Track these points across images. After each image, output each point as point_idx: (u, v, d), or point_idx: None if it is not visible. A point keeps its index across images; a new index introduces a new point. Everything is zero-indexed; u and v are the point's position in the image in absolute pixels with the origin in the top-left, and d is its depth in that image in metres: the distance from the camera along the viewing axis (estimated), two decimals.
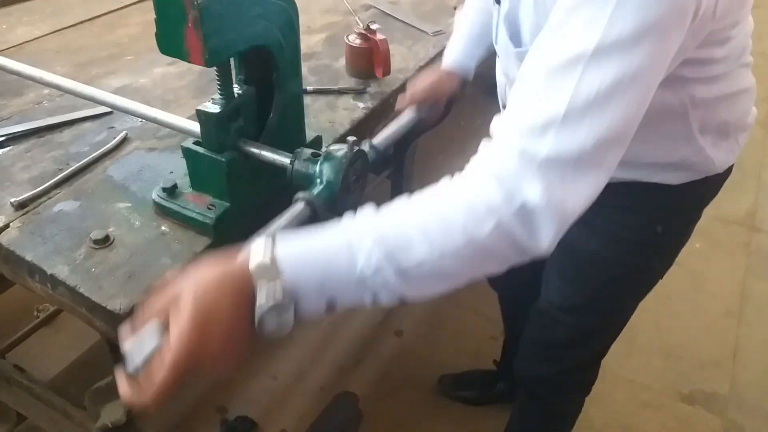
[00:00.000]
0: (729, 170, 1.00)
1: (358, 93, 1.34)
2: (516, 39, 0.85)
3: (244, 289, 0.59)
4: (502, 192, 0.60)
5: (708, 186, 0.98)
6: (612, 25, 0.58)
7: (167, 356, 0.55)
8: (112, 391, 1.15)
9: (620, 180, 0.91)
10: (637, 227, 1.01)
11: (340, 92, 1.35)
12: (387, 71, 1.38)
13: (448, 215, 0.61)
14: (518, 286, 1.49)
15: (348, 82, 1.39)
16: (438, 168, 2.75)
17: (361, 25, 1.40)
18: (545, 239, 0.61)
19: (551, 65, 0.61)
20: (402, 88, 1.40)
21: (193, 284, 0.58)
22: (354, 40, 1.38)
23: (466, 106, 2.12)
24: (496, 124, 0.66)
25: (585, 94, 0.59)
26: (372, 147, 1.00)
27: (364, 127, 1.27)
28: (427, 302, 2.11)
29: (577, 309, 1.14)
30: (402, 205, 0.64)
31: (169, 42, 0.82)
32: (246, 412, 1.74)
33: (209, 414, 1.73)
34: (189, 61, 0.83)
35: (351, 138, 0.91)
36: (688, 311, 2.12)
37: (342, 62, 1.45)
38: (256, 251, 0.61)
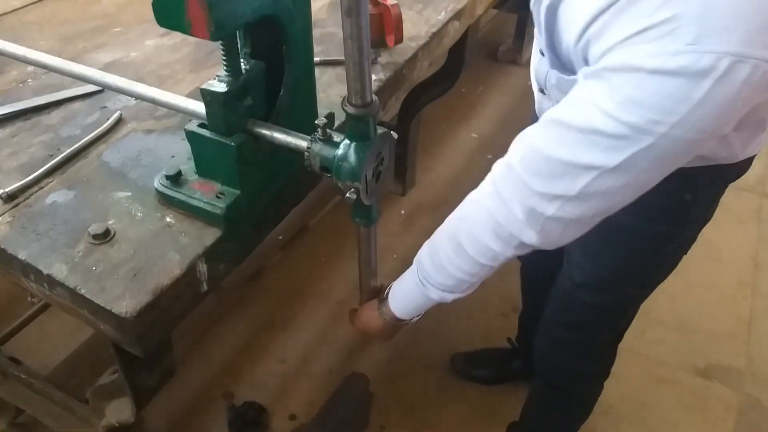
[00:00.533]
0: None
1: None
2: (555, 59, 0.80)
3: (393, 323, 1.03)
4: (501, 241, 0.78)
5: (737, 166, 0.93)
6: (632, 161, 0.64)
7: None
8: (117, 389, 1.09)
9: None
10: (664, 194, 0.94)
11: None
12: (399, 39, 1.29)
13: (468, 262, 0.84)
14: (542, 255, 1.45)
15: None
16: (442, 137, 2.68)
17: None
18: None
19: (571, 159, 0.68)
20: (415, 57, 1.31)
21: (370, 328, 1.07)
22: None
23: (467, 73, 2.03)
24: (514, 160, 0.75)
25: (595, 189, 0.68)
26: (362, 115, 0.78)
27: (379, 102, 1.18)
28: None
29: (599, 285, 1.10)
30: (440, 249, 0.87)
31: (168, 13, 0.73)
32: (253, 397, 1.69)
33: (216, 401, 1.68)
34: (191, 34, 0.73)
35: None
36: (701, 282, 2.08)
37: None
38: (384, 310, 1.02)
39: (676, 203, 0.96)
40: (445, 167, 2.52)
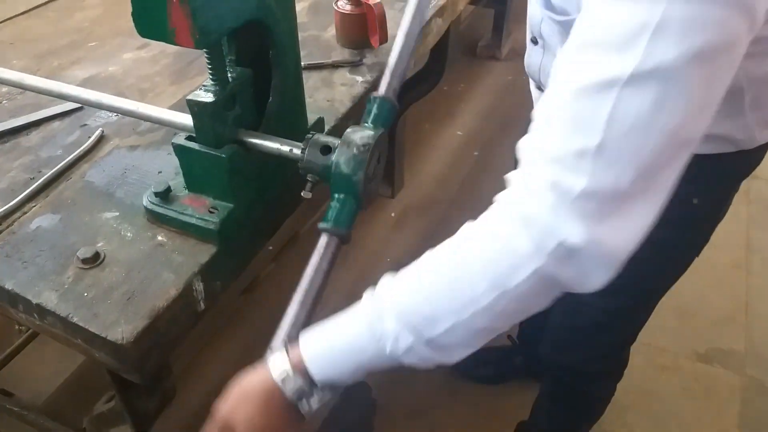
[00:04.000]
0: None
1: (354, 65, 1.22)
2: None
3: (285, 404, 0.63)
4: (531, 235, 0.52)
5: (752, 156, 0.88)
6: (651, 51, 0.48)
7: None
8: (116, 416, 1.05)
9: None
10: (670, 201, 0.91)
11: (335, 66, 1.23)
12: (384, 39, 1.26)
13: (471, 272, 0.55)
14: None
15: (341, 54, 1.27)
16: (427, 136, 2.66)
17: None
18: (597, 282, 0.55)
19: (581, 86, 0.51)
20: None
21: (243, 416, 0.65)
22: (344, 5, 1.25)
23: (447, 71, 2.01)
24: (523, 146, 0.57)
25: (621, 122, 0.50)
26: (384, 100, 0.84)
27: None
28: None
29: (606, 292, 1.05)
30: (421, 268, 0.59)
31: (150, 22, 0.70)
32: None
33: None
34: (175, 43, 0.70)
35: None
36: (696, 266, 2.04)
37: (331, 32, 1.32)
38: (278, 365, 0.65)
39: (682, 209, 0.87)
40: (432, 166, 2.49)
